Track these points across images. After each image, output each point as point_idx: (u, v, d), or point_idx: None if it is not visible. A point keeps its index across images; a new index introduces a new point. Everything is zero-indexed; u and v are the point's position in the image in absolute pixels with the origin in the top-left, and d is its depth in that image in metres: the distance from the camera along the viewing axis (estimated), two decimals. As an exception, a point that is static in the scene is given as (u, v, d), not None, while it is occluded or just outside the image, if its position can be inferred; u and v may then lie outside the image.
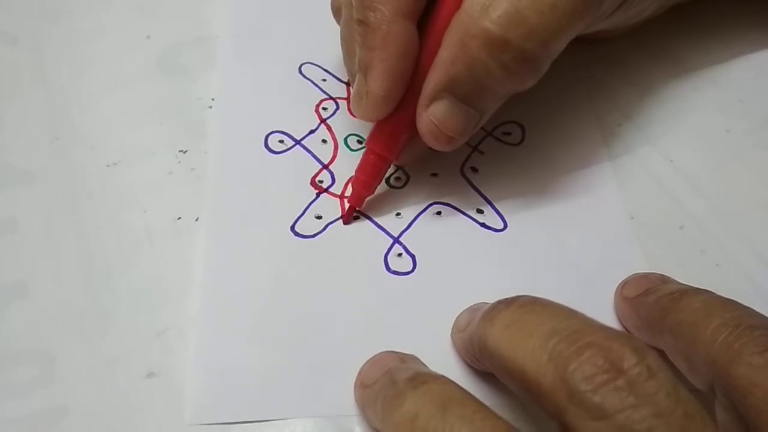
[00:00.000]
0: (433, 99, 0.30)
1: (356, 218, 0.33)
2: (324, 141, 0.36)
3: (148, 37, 0.41)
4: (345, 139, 0.37)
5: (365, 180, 0.33)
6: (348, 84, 0.39)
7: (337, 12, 0.36)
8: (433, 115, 0.30)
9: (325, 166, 0.35)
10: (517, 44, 0.28)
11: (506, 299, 0.25)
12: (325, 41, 0.41)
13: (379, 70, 0.30)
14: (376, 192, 0.34)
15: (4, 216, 0.33)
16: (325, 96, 0.38)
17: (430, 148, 0.32)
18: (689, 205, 0.34)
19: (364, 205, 0.34)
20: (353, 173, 0.34)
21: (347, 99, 0.38)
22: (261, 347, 0.29)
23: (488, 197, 0.34)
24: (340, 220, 0.33)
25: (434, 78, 0.30)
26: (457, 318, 0.29)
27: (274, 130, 0.37)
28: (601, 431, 0.20)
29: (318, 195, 0.34)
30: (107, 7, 0.43)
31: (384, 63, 0.30)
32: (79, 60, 0.40)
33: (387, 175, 0.35)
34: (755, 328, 0.24)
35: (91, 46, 0.41)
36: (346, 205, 0.34)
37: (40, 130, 0.37)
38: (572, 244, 0.33)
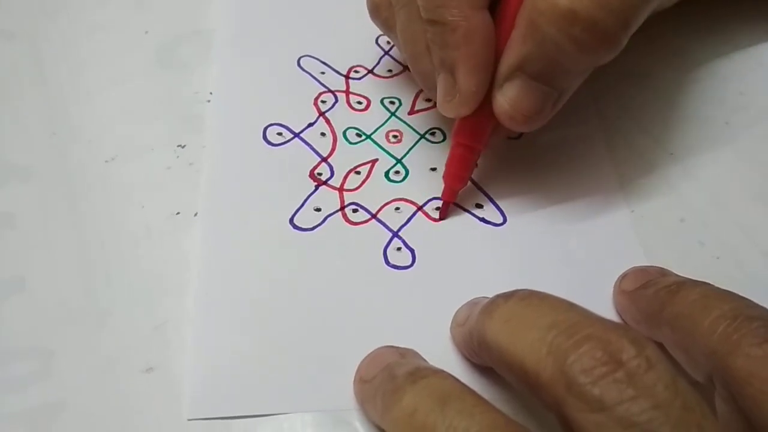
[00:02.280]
0: (507, 79, 0.30)
1: (355, 211, 0.33)
2: (323, 134, 0.36)
3: (146, 32, 0.41)
4: (344, 132, 0.36)
5: (457, 173, 0.33)
6: (347, 77, 0.39)
7: (375, 11, 0.35)
8: (506, 96, 0.30)
9: (324, 159, 0.35)
10: (586, 15, 0.27)
11: (505, 293, 0.25)
12: (323, 34, 0.41)
13: (468, 67, 0.30)
14: (374, 186, 0.34)
15: (2, 211, 0.33)
16: (324, 89, 0.38)
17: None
18: (689, 198, 0.34)
19: (360, 199, 0.34)
20: (352, 166, 0.34)
21: (346, 92, 0.38)
22: (259, 341, 0.29)
23: (487, 192, 0.34)
24: (339, 213, 0.33)
25: (506, 59, 0.30)
26: (456, 312, 0.29)
27: (273, 122, 0.37)
28: (600, 423, 0.20)
29: (317, 187, 0.34)
30: (105, 3, 0.43)
31: (471, 59, 0.30)
32: (76, 55, 0.40)
33: (386, 169, 0.35)
34: (754, 319, 0.24)
35: (89, 41, 0.41)
36: (345, 198, 0.34)
37: (37, 126, 0.37)
38: (572, 237, 0.33)
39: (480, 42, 0.30)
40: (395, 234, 0.33)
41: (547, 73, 0.29)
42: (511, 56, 0.29)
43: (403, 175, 0.35)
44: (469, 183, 0.34)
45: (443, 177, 0.33)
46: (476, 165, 0.34)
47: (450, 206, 0.34)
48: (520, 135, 0.37)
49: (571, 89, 0.31)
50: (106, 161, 0.35)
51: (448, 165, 0.33)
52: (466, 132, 0.32)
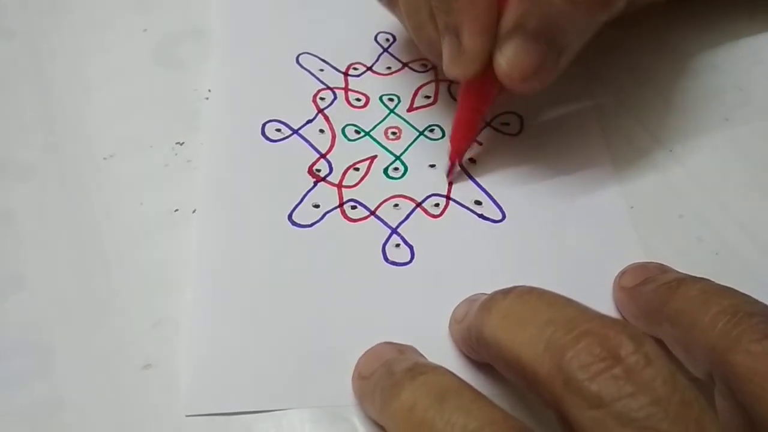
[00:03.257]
0: (505, 39, 0.30)
1: (354, 208, 0.33)
2: (321, 131, 0.36)
3: (145, 30, 0.41)
4: (342, 129, 0.36)
5: (463, 134, 0.34)
6: (346, 74, 0.39)
7: None
8: (505, 55, 0.30)
9: (323, 156, 0.35)
10: None
11: (503, 289, 0.25)
12: (322, 31, 0.41)
13: (472, 28, 0.30)
14: (373, 183, 0.34)
15: (0, 209, 0.33)
16: (323, 86, 0.38)
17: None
18: (688, 194, 0.34)
19: (359, 195, 0.34)
20: (351, 162, 0.35)
21: (345, 89, 0.38)
22: (258, 337, 0.29)
23: (486, 188, 0.34)
24: (338, 210, 0.33)
25: (505, 19, 0.30)
26: (454, 309, 0.29)
27: (272, 118, 0.36)
28: (598, 419, 0.20)
29: (315, 184, 0.34)
30: (104, 1, 0.42)
31: (476, 20, 0.30)
32: (75, 53, 0.40)
33: (385, 165, 0.35)
34: (753, 315, 0.23)
35: (88, 39, 0.40)
36: (344, 194, 0.34)
37: (36, 123, 0.37)
38: (571, 234, 0.33)
39: (483, 4, 0.30)
40: (394, 230, 0.33)
41: (543, 31, 0.30)
42: (508, 16, 0.30)
43: (402, 171, 0.35)
44: (468, 180, 0.34)
45: (450, 139, 0.34)
46: (482, 127, 0.35)
47: (455, 168, 0.34)
48: (520, 131, 0.36)
49: (572, 49, 0.31)
50: (105, 158, 0.35)
51: (454, 127, 0.34)
52: (471, 94, 0.33)
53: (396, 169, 0.35)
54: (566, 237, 0.33)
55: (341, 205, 0.33)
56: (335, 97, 0.38)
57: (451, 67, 0.32)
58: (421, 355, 0.27)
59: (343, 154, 0.35)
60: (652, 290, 0.28)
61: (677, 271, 0.29)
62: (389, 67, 0.39)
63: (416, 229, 0.33)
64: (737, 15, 0.41)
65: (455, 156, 0.34)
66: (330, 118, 0.37)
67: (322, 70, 0.39)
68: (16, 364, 0.29)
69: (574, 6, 0.29)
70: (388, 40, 0.41)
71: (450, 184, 0.34)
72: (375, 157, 0.35)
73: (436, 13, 0.31)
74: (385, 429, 0.25)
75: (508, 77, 0.31)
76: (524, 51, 0.30)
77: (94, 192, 0.34)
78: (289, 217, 0.33)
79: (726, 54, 0.40)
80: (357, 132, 0.36)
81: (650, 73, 0.39)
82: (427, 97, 0.38)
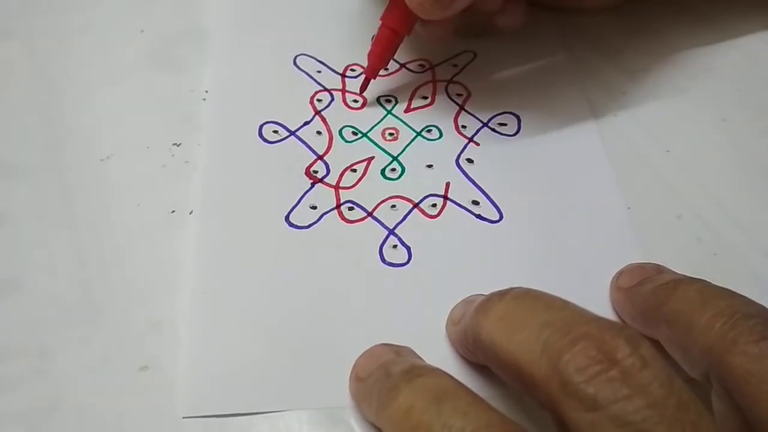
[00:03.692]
0: None
1: (351, 209, 0.33)
2: (318, 132, 0.36)
3: (142, 30, 0.41)
4: (340, 131, 0.36)
5: (379, 53, 0.36)
6: (343, 75, 0.39)
7: None
8: None
9: (320, 157, 0.35)
10: None
11: (500, 291, 0.25)
12: (319, 33, 0.41)
13: None
14: (370, 184, 0.34)
15: (-2, 210, 0.33)
16: (320, 88, 0.38)
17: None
18: (686, 195, 0.34)
19: (356, 197, 0.34)
20: (348, 164, 0.35)
21: (342, 90, 0.38)
22: (255, 339, 0.29)
23: (484, 188, 0.34)
24: (335, 211, 0.33)
25: None
26: (451, 310, 0.29)
27: (269, 120, 0.36)
28: (594, 422, 0.20)
29: (313, 185, 0.34)
30: (100, 1, 0.43)
31: None
32: (72, 54, 0.40)
33: (382, 166, 0.35)
34: (750, 316, 0.23)
35: (85, 40, 0.41)
36: (341, 196, 0.34)
37: (33, 124, 0.37)
38: (568, 234, 0.33)
39: None
40: (391, 231, 0.33)
41: None
42: None
43: (399, 172, 0.35)
44: (465, 179, 0.34)
45: (368, 55, 0.37)
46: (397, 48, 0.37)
47: (370, 83, 0.37)
48: (517, 131, 0.36)
49: None
50: (102, 159, 0.35)
51: (373, 45, 0.36)
52: (392, 15, 0.35)
53: (393, 170, 0.35)
54: (563, 238, 0.33)
55: (338, 206, 0.33)
56: (332, 99, 0.38)
57: None
58: (419, 357, 0.27)
59: (341, 156, 0.35)
60: (650, 291, 0.28)
61: (674, 272, 0.29)
62: (386, 68, 0.39)
63: (413, 229, 0.33)
64: (735, 15, 0.41)
65: (370, 73, 0.37)
66: (327, 120, 0.37)
67: (319, 71, 0.39)
68: (13, 366, 0.29)
69: None
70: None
71: (447, 184, 0.34)
72: (372, 158, 0.35)
73: None
74: (382, 431, 0.25)
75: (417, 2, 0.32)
76: None
77: (92, 193, 0.34)
78: (287, 218, 0.33)
79: (724, 55, 0.40)
80: (354, 133, 0.36)
81: (648, 74, 0.39)
82: (425, 97, 0.38)
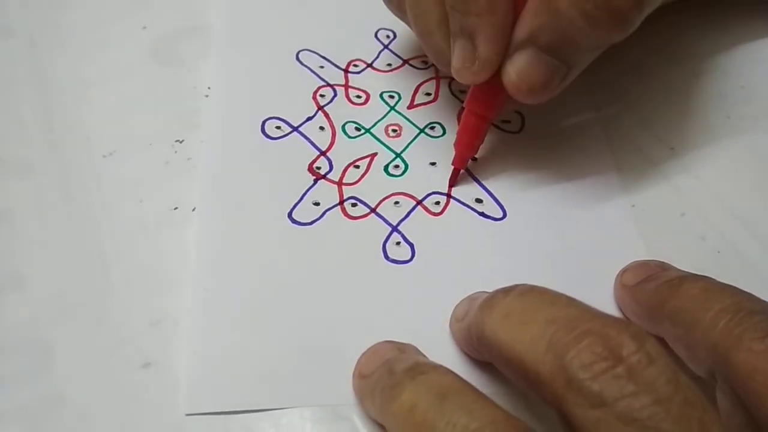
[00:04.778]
0: (517, 49, 0.30)
1: (354, 205, 0.33)
2: (321, 128, 0.36)
3: (144, 27, 0.41)
4: (343, 126, 0.36)
5: (469, 141, 0.33)
6: (346, 71, 0.39)
7: None
8: (515, 66, 0.30)
9: (323, 153, 0.35)
10: None
11: (504, 288, 0.25)
12: (322, 28, 0.41)
13: (489, 34, 0.30)
14: (374, 180, 0.34)
15: (0, 207, 0.33)
16: (323, 83, 0.38)
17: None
18: (690, 193, 0.34)
19: (360, 193, 0.34)
20: (351, 160, 0.34)
21: (345, 86, 0.38)
22: (257, 336, 0.29)
23: (487, 186, 0.34)
24: (338, 207, 0.33)
25: (519, 29, 0.30)
26: (455, 307, 0.29)
27: (272, 116, 0.36)
28: (600, 419, 0.20)
29: (315, 181, 0.34)
30: (102, -2, 0.43)
31: (494, 27, 0.30)
32: (74, 51, 0.40)
33: (385, 163, 0.35)
34: (755, 313, 0.23)
35: (87, 37, 0.40)
36: (344, 192, 0.34)
37: (35, 121, 0.36)
38: (572, 232, 0.33)
39: (502, 10, 0.30)
40: (394, 228, 0.33)
41: (557, 46, 0.29)
42: (524, 27, 0.29)
43: (403, 169, 0.35)
44: (469, 178, 0.34)
45: (455, 145, 0.34)
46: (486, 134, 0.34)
47: (459, 175, 0.34)
48: (521, 129, 0.36)
49: (581, 66, 0.31)
50: (104, 156, 0.35)
51: (460, 133, 0.34)
52: (479, 101, 0.33)
53: (396, 166, 0.35)
54: (567, 235, 0.33)
55: (341, 202, 0.33)
56: (335, 94, 0.38)
57: (462, 72, 0.31)
58: (422, 354, 0.27)
59: (344, 152, 0.35)
60: (654, 288, 0.28)
61: (679, 269, 0.29)
62: (390, 64, 0.39)
63: (417, 227, 0.33)
64: (739, 14, 0.41)
65: (459, 163, 0.34)
66: (330, 116, 0.37)
67: (322, 66, 0.39)
68: (15, 363, 0.29)
69: (593, 26, 0.28)
70: (388, 36, 0.40)
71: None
72: (375, 154, 0.35)
73: (450, 14, 0.31)
74: (385, 429, 0.24)
75: (516, 88, 0.30)
76: (535, 64, 0.30)
77: (94, 190, 0.34)
78: (289, 215, 0.33)
79: (727, 52, 0.40)
80: (357, 129, 0.36)
81: (652, 71, 0.39)
82: (428, 94, 0.38)
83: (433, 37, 0.32)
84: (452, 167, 0.34)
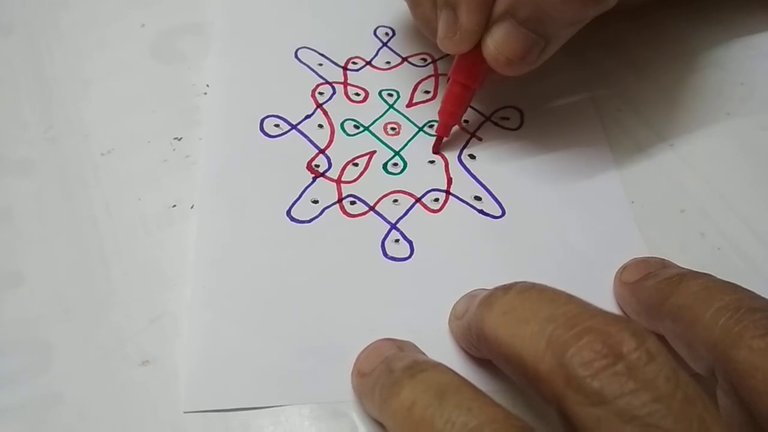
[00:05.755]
0: (495, 22, 0.31)
1: (353, 203, 0.33)
2: (320, 126, 0.36)
3: (143, 25, 0.41)
4: (341, 124, 0.36)
5: (452, 110, 0.34)
6: (345, 68, 0.39)
7: None
8: (494, 38, 0.31)
9: (322, 151, 0.35)
10: None
11: (504, 285, 0.25)
12: (321, 26, 0.41)
13: (470, 5, 0.31)
14: (372, 178, 0.34)
15: (-1, 205, 0.33)
16: (322, 81, 0.38)
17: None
18: (689, 189, 0.34)
19: (358, 191, 0.34)
20: (350, 158, 0.34)
21: (344, 83, 0.38)
22: (257, 334, 0.29)
23: (486, 184, 0.34)
24: (337, 205, 0.33)
25: (498, 2, 0.31)
26: (454, 305, 0.29)
27: (270, 114, 0.36)
28: (600, 417, 0.20)
29: (314, 179, 0.34)
30: (101, -4, 0.42)
31: None
32: (73, 49, 0.40)
33: (384, 161, 0.35)
34: (756, 310, 0.23)
35: (86, 35, 0.40)
36: (343, 190, 0.33)
37: (34, 119, 0.36)
38: (571, 229, 0.33)
39: None
40: (393, 226, 0.32)
41: (533, 19, 0.30)
42: (502, 0, 0.30)
43: (402, 167, 0.35)
44: (468, 175, 0.34)
45: (438, 112, 0.35)
46: (470, 105, 0.35)
47: (443, 141, 0.35)
48: (520, 125, 0.36)
49: (559, 40, 0.32)
50: (103, 154, 0.35)
51: (444, 101, 0.35)
52: (463, 70, 0.33)
53: (395, 164, 0.35)
54: (567, 232, 0.32)
55: (340, 200, 0.33)
56: (334, 92, 0.38)
57: (445, 42, 0.33)
58: (421, 352, 0.27)
59: (342, 150, 0.35)
60: (654, 285, 0.28)
61: (679, 266, 0.29)
62: (388, 62, 0.39)
63: (416, 224, 0.33)
64: (737, 9, 0.41)
65: (442, 131, 0.35)
66: (329, 113, 0.37)
67: (321, 64, 0.39)
68: (14, 361, 0.29)
69: (566, 0, 0.29)
70: (387, 34, 0.40)
71: (450, 179, 0.34)
72: (374, 152, 0.35)
73: None
74: (384, 427, 0.24)
75: (494, 59, 0.31)
76: (513, 36, 0.31)
77: (93, 188, 0.34)
78: (288, 212, 0.33)
79: (727, 48, 0.40)
80: (356, 127, 0.36)
81: (651, 68, 0.39)
82: (427, 92, 0.38)
83: (422, 7, 0.34)
84: (436, 135, 0.35)
